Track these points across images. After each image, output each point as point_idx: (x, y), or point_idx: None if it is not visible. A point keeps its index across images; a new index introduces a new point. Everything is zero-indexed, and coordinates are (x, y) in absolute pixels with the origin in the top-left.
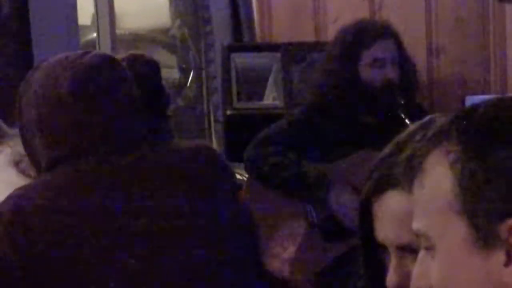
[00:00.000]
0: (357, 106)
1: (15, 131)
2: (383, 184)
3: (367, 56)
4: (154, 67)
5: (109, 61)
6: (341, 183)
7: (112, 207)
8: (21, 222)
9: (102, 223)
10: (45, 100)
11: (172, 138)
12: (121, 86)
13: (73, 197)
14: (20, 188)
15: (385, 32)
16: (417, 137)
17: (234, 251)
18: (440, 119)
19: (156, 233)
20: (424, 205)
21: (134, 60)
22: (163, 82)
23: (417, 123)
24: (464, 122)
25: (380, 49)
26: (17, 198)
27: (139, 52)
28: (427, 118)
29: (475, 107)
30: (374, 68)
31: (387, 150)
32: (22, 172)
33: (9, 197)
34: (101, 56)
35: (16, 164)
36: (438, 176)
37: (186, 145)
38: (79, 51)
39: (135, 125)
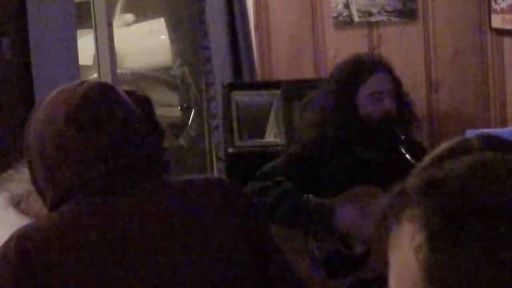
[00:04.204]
0: (356, 141)
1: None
2: None
3: (364, 90)
4: (146, 101)
5: (104, 87)
6: (344, 205)
7: (115, 250)
8: (25, 263)
9: (105, 265)
10: (44, 135)
11: (170, 169)
12: (119, 110)
13: (75, 238)
14: (22, 228)
15: (380, 65)
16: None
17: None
18: (410, 183)
19: (160, 274)
20: (395, 276)
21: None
22: (162, 120)
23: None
24: (431, 200)
25: (377, 82)
26: (21, 238)
27: (131, 89)
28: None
29: (446, 178)
30: (371, 101)
31: None
32: (22, 212)
33: (12, 238)
34: (96, 83)
35: (16, 204)
36: (405, 257)
37: (193, 181)
38: (76, 82)
39: (138, 153)
